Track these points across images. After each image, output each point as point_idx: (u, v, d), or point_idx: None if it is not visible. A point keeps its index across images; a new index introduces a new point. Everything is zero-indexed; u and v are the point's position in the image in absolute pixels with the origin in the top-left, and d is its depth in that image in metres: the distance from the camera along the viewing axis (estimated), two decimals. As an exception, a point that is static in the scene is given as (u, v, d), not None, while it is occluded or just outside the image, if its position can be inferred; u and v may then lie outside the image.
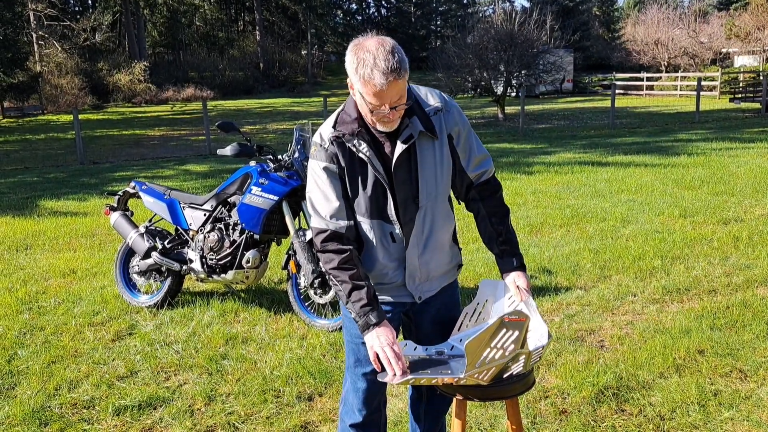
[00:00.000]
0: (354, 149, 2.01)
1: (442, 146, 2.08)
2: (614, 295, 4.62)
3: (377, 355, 1.96)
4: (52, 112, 30.30)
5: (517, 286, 2.10)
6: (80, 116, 16.02)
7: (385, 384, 2.27)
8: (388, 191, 2.03)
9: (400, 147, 2.00)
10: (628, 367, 3.48)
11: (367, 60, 1.86)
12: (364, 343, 2.18)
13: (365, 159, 2.01)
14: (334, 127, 2.05)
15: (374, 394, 2.28)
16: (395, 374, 1.88)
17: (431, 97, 2.10)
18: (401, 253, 2.11)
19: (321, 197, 2.07)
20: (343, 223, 2.06)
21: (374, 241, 2.10)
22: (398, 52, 1.88)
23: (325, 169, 2.05)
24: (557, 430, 2.96)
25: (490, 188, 2.19)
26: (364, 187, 2.04)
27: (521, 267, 2.15)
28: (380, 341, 1.95)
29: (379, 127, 2.00)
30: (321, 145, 2.06)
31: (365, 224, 2.09)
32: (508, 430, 1.98)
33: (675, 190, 8.32)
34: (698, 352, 3.65)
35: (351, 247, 2.06)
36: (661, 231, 6.29)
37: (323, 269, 2.13)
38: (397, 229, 2.08)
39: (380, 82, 1.85)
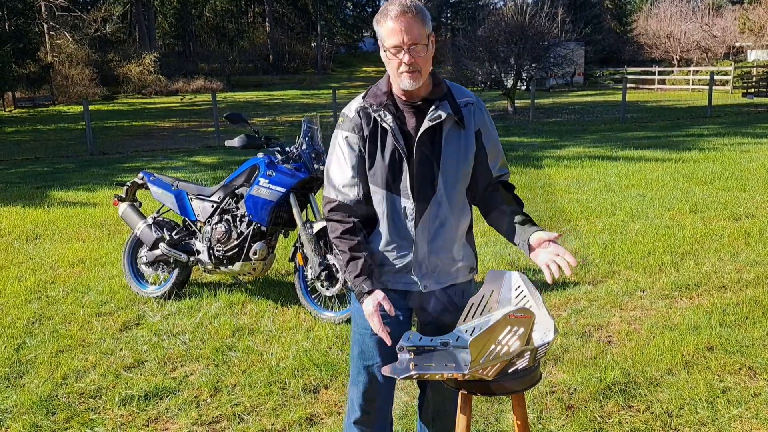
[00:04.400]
0: (379, 119, 2.06)
1: (468, 138, 2.10)
2: (623, 291, 4.59)
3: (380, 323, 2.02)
4: (62, 103, 30.45)
5: (546, 240, 2.03)
6: (90, 107, 16.09)
7: (391, 381, 2.26)
8: (405, 163, 2.05)
9: (426, 123, 2.03)
10: (635, 363, 3.45)
11: (385, 7, 2.00)
12: (371, 335, 2.18)
13: (388, 129, 2.04)
14: (363, 98, 2.12)
15: (375, 388, 2.25)
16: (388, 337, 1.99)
17: (464, 92, 2.16)
18: (410, 232, 2.11)
19: (336, 166, 2.12)
20: (353, 195, 2.10)
21: (385, 213, 2.11)
22: (417, 3, 1.98)
23: (346, 138, 2.10)
24: (563, 425, 2.95)
25: (506, 185, 2.23)
26: (382, 156, 2.06)
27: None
28: (370, 310, 2.02)
29: (405, 83, 2.00)
30: (347, 116, 2.12)
31: (378, 194, 2.10)
32: (514, 426, 1.96)
33: (686, 185, 8.25)
34: (707, 348, 3.62)
35: (356, 220, 2.11)
36: (671, 226, 6.24)
37: (331, 239, 2.17)
38: (410, 205, 2.08)
39: (394, 13, 1.95)
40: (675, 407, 3.03)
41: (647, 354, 3.56)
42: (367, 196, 2.13)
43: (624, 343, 3.74)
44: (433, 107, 2.04)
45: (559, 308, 4.35)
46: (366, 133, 2.08)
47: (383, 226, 2.13)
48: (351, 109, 2.13)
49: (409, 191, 2.06)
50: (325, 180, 2.18)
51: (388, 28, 1.97)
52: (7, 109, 28.29)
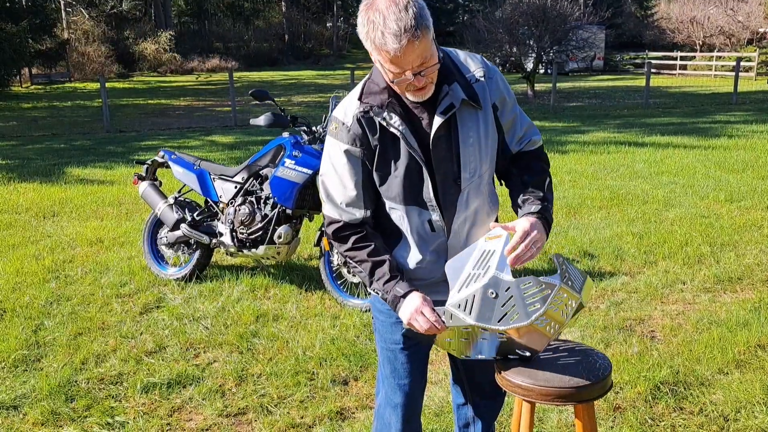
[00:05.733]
0: (384, 123, 1.75)
1: (486, 118, 1.80)
2: (662, 283, 4.38)
3: (429, 324, 1.76)
4: (78, 80, 30.37)
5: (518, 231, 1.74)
6: (106, 84, 15.94)
7: (422, 392, 2.09)
8: (425, 171, 1.76)
9: (438, 119, 1.74)
10: (684, 361, 3.26)
11: (377, 22, 1.60)
12: (402, 349, 1.98)
13: (397, 134, 1.74)
14: (360, 99, 1.79)
15: (414, 408, 2.06)
16: (438, 328, 1.74)
17: (472, 63, 1.83)
18: (441, 244, 1.86)
19: (337, 183, 1.84)
20: (359, 214, 1.85)
21: (409, 231, 1.85)
22: (414, 7, 1.60)
23: (346, 152, 1.80)
24: (612, 427, 2.77)
25: (532, 154, 1.92)
26: (396, 168, 1.78)
27: (538, 214, 1.80)
28: (413, 309, 1.76)
29: (411, 98, 1.74)
30: (344, 124, 1.80)
31: (398, 211, 1.84)
32: (578, 435, 1.78)
33: (718, 173, 7.98)
34: (758, 346, 3.42)
35: (366, 231, 1.86)
36: (707, 215, 6.00)
37: (340, 253, 1.91)
38: (436, 216, 1.82)
39: (393, 46, 1.59)
40: (731, 410, 2.84)
41: (695, 351, 3.36)
42: (376, 211, 1.87)
43: (669, 339, 3.55)
44: (442, 94, 1.74)
45: (596, 300, 4.16)
46: (373, 143, 1.77)
47: (409, 244, 1.87)
48: (347, 115, 1.79)
49: (434, 201, 1.80)
50: (322, 195, 1.89)
51: (386, 59, 1.64)
52: (23, 86, 28.26)
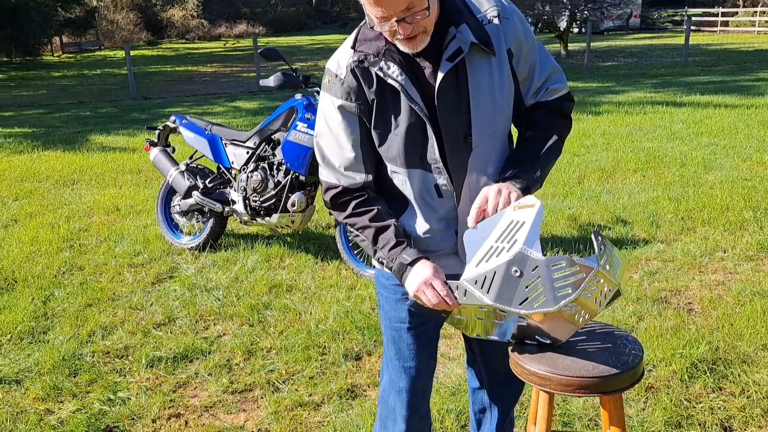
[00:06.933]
0: (381, 74, 1.53)
1: (501, 65, 1.56)
2: (701, 251, 4.09)
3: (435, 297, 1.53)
4: (108, 48, 30.49)
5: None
6: (135, 52, 15.96)
7: (431, 377, 1.89)
8: (429, 128, 1.55)
9: (445, 66, 1.51)
10: (724, 337, 3.00)
11: None
12: (408, 329, 1.78)
13: (396, 86, 1.52)
14: (353, 47, 1.58)
15: (421, 393, 1.87)
16: (449, 303, 1.52)
17: (484, 1, 1.59)
18: (450, 212, 1.63)
19: (333, 144, 1.63)
20: (359, 178, 1.64)
21: (413, 197, 1.63)
22: None
23: (341, 108, 1.59)
24: (643, 409, 2.55)
25: (547, 105, 1.66)
26: (396, 125, 1.56)
27: (514, 179, 1.56)
28: (421, 281, 1.53)
29: (401, 48, 1.51)
30: (337, 76, 1.59)
31: (401, 175, 1.62)
32: (604, 428, 1.57)
33: (762, 133, 7.53)
34: (807, 320, 3.14)
35: (370, 192, 1.65)
36: (749, 178, 5.63)
37: (340, 222, 1.72)
38: (444, 180, 1.60)
39: None
40: (776, 392, 2.60)
41: (737, 325, 3.10)
42: (378, 174, 1.66)
43: (708, 312, 3.29)
44: (448, 38, 1.51)
45: (629, 270, 3.90)
46: (370, 97, 1.56)
47: (415, 212, 1.65)
48: (340, 66, 1.59)
49: (440, 163, 1.58)
50: (318, 158, 1.69)
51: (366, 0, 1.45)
52: (55, 54, 28.46)
